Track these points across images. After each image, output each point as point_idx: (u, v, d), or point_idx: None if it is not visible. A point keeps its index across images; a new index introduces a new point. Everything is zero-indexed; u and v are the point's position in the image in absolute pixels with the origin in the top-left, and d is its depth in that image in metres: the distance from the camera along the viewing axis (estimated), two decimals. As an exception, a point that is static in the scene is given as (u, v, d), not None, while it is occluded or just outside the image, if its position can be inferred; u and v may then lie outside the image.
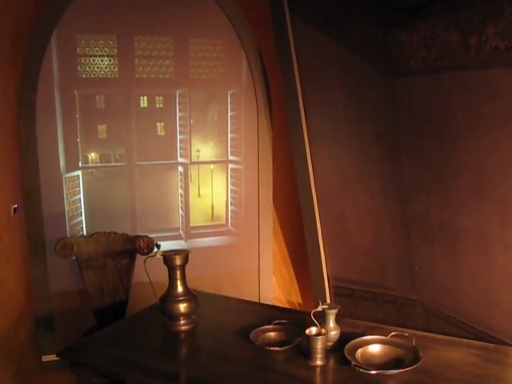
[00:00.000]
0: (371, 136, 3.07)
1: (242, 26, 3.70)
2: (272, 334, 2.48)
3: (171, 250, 2.69)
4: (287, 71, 3.38)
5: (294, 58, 3.32)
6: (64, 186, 3.58)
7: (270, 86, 3.84)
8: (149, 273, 2.60)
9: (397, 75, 2.80)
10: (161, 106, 3.83)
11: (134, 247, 3.40)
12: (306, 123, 3.40)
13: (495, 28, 2.20)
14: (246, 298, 3.12)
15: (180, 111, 3.84)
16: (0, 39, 3.08)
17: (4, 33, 3.12)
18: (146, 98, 3.75)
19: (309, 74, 3.31)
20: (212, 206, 4.07)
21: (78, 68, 3.54)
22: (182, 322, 2.62)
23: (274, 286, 4.11)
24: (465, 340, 2.43)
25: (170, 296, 2.62)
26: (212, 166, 4.05)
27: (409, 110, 2.80)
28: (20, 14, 3.21)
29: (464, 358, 2.24)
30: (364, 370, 2.08)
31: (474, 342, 2.41)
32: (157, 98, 3.80)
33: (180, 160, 3.91)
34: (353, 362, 2.12)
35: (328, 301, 3.53)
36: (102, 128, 3.71)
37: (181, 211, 3.98)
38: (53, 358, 3.44)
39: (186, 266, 2.66)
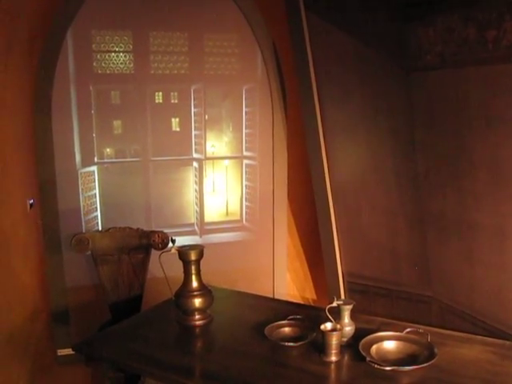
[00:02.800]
0: (387, 132, 3.06)
1: (256, 21, 3.68)
2: (286, 329, 2.48)
3: (186, 245, 2.71)
4: (302, 66, 3.37)
5: (309, 53, 3.31)
6: (80, 181, 3.59)
7: (284, 82, 3.82)
8: (164, 268, 2.62)
9: (413, 70, 2.78)
10: (176, 101, 3.82)
11: (149, 242, 3.41)
12: (321, 118, 3.39)
13: (513, 22, 2.18)
14: (261, 294, 3.13)
15: (195, 107, 3.83)
16: (16, 35, 3.10)
17: (20, 29, 3.14)
18: (161, 93, 3.74)
19: (324, 69, 3.30)
20: (227, 201, 4.07)
21: (94, 64, 3.54)
22: (196, 316, 2.64)
23: (288, 281, 4.10)
24: (480, 337, 2.42)
25: (184, 291, 2.64)
26: (227, 162, 4.04)
27: (425, 106, 2.78)
28: (36, 11, 3.22)
29: (479, 355, 2.23)
30: (379, 366, 2.07)
31: (490, 339, 2.40)
32: (172, 93, 3.79)
33: (195, 156, 3.91)
34: (368, 358, 2.12)
35: (342, 297, 3.52)
36: (117, 123, 3.72)
37: (195, 207, 3.98)
38: (68, 351, 3.46)
39: (201, 261, 2.68)
